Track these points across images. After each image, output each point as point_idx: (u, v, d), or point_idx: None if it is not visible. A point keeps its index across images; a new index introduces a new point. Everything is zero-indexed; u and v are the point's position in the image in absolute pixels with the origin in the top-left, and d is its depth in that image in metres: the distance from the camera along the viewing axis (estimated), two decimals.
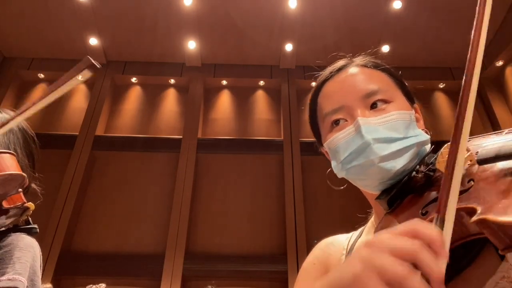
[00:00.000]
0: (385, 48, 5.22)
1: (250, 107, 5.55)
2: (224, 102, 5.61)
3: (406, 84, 0.80)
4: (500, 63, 5.10)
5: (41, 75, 5.50)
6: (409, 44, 5.25)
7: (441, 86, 5.59)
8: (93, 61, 0.79)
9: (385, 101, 0.72)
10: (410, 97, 0.78)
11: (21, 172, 0.75)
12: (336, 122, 0.74)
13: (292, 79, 5.58)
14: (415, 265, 0.38)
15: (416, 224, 0.41)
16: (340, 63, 0.82)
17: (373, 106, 0.71)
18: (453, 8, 4.82)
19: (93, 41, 5.33)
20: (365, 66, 0.79)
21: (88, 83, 5.60)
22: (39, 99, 0.72)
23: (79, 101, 5.45)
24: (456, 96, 5.20)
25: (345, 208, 4.38)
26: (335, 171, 0.77)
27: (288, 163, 4.86)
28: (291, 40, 5.37)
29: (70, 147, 4.83)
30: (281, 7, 5.00)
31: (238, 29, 5.17)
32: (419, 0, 4.92)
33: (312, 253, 0.91)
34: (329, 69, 0.82)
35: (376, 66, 0.79)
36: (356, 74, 0.77)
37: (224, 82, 5.69)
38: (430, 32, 5.12)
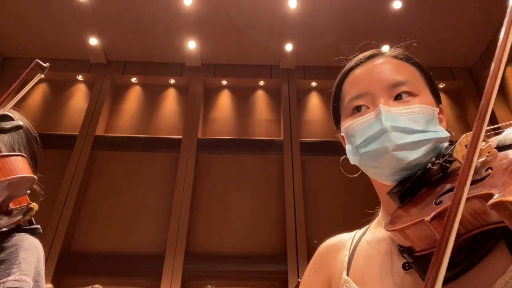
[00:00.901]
0: (385, 48, 5.20)
1: (250, 107, 5.55)
2: (224, 102, 5.61)
3: (435, 82, 0.79)
4: None
5: (41, 75, 5.49)
6: (409, 44, 5.25)
7: (441, 86, 5.58)
8: (40, 62, 0.85)
9: (411, 94, 0.71)
10: (437, 96, 0.77)
11: (32, 175, 0.76)
12: (358, 108, 0.73)
13: (292, 79, 5.58)
14: None
15: None
16: (371, 51, 0.82)
17: (398, 97, 0.71)
18: (452, 8, 4.82)
19: (93, 41, 5.34)
20: (395, 57, 0.79)
21: (88, 83, 5.61)
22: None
23: (79, 101, 5.45)
24: (456, 96, 5.18)
25: (345, 208, 4.38)
26: (348, 156, 0.76)
27: (288, 163, 4.86)
28: (291, 40, 5.37)
29: (70, 147, 4.83)
30: (281, 7, 5.00)
31: (238, 29, 5.17)
32: (419, 0, 4.92)
33: (313, 259, 0.89)
34: (359, 56, 0.82)
35: (407, 59, 0.79)
36: (385, 64, 0.76)
37: (224, 82, 5.69)
38: (430, 32, 5.11)
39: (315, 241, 4.32)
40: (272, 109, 5.56)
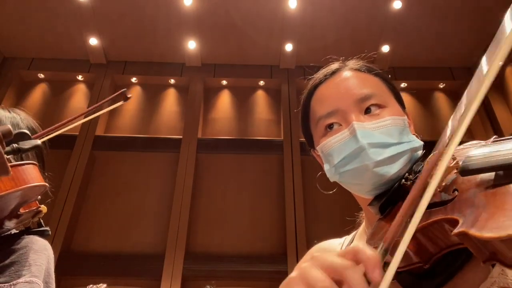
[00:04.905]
0: (385, 48, 5.22)
1: (250, 107, 5.55)
2: (224, 102, 5.61)
3: (397, 89, 0.80)
4: (500, 63, 5.09)
5: (41, 75, 5.50)
6: (409, 44, 5.25)
7: (441, 86, 5.58)
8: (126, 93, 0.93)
9: (379, 106, 0.71)
10: (401, 102, 0.78)
11: (44, 183, 0.77)
12: (330, 126, 0.73)
13: (292, 79, 5.58)
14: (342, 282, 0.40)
15: (359, 246, 0.43)
16: (334, 66, 0.81)
17: (367, 111, 0.71)
18: (453, 8, 4.82)
19: (93, 41, 5.33)
20: (358, 70, 0.78)
21: (88, 83, 5.61)
22: (74, 119, 0.81)
23: (79, 101, 5.45)
24: (456, 96, 5.20)
25: (345, 208, 4.36)
26: (328, 175, 0.77)
27: (288, 163, 4.86)
28: (291, 40, 5.37)
29: (70, 147, 4.83)
30: (281, 7, 5.00)
31: (238, 29, 5.17)
32: (419, 0, 4.91)
33: (304, 259, 0.90)
34: (322, 72, 0.82)
35: (369, 71, 0.78)
36: (350, 78, 0.76)
37: (224, 82, 5.69)
38: (430, 32, 5.11)
39: (315, 241, 4.31)
40: (272, 109, 5.56)
